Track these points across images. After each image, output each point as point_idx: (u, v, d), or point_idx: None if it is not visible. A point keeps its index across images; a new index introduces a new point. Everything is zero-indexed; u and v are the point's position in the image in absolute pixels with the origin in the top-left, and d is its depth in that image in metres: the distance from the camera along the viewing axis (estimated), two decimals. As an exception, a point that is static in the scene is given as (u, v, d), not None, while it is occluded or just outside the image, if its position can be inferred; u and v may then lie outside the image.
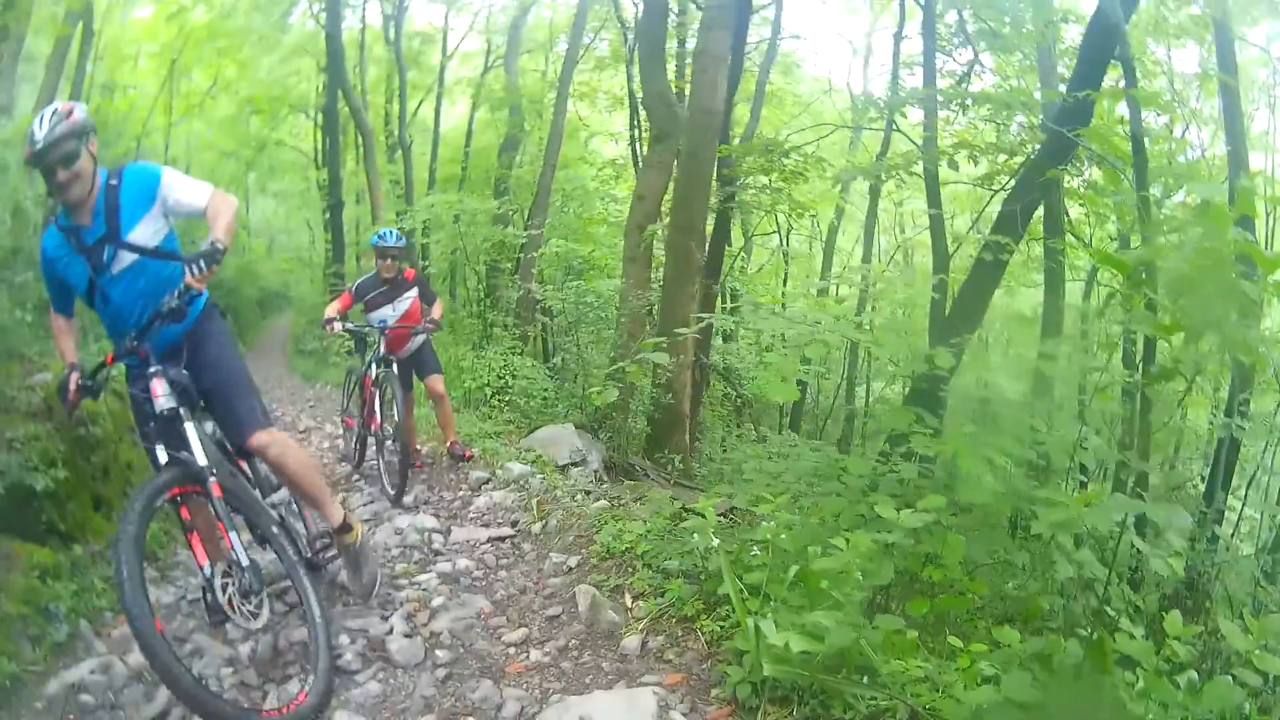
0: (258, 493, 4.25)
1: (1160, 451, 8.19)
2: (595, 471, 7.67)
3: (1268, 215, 12.22)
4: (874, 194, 15.53)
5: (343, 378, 9.17)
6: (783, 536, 3.30)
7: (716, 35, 9.36)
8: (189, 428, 3.73)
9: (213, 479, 3.64)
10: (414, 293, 7.54)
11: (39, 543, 4.26)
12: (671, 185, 10.04)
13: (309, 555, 4.41)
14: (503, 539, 5.37)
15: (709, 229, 10.47)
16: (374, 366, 7.18)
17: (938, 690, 2.58)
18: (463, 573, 4.76)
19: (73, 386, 3.78)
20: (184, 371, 3.88)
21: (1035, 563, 3.47)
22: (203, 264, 3.62)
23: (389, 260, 7.41)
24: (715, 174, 10.07)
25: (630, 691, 3.10)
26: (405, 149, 22.74)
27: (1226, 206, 2.89)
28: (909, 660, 2.75)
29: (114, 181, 3.90)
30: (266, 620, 3.61)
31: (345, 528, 4.35)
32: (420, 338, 7.56)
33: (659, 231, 10.11)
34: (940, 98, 10.71)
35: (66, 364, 3.98)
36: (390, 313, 7.40)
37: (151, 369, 3.76)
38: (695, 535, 3.79)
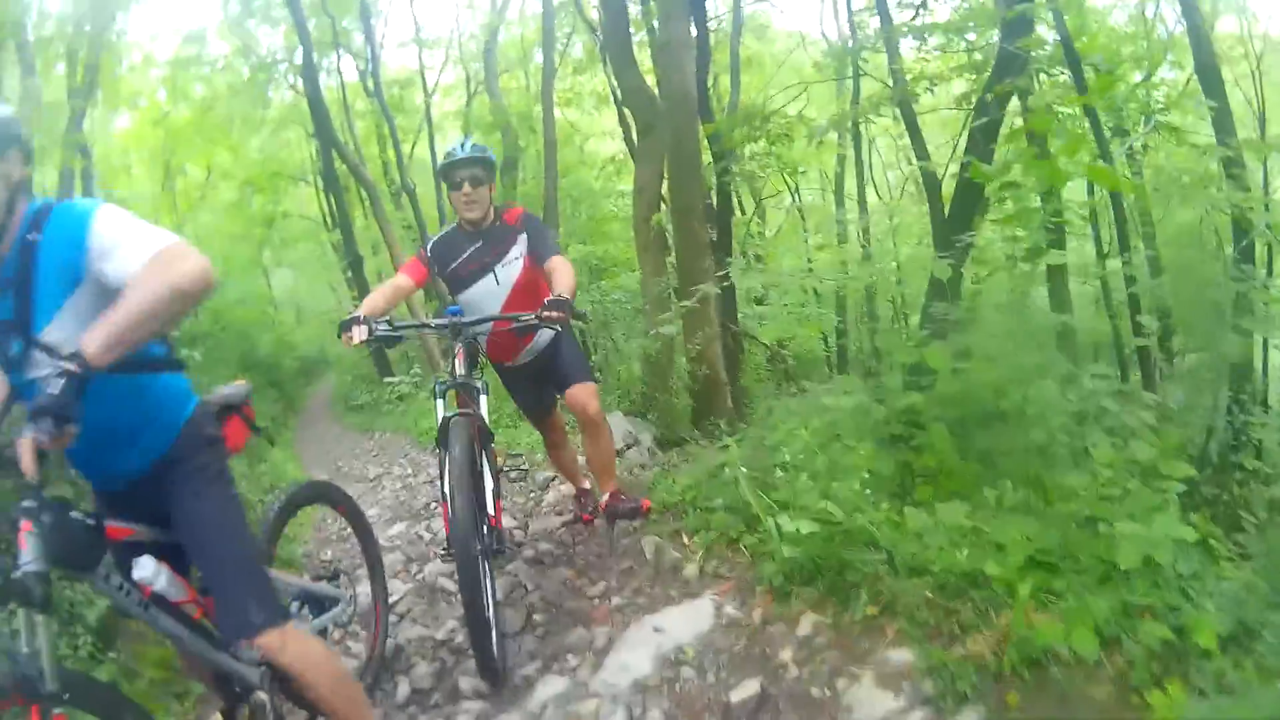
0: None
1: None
2: (649, 449, 8.09)
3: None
4: (856, 140, 16.20)
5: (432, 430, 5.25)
6: (800, 456, 4.12)
7: (676, 24, 10.07)
8: (39, 622, 2.35)
9: (52, 709, 2.29)
10: (522, 246, 4.90)
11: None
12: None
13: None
14: (574, 521, 5.95)
15: (715, 205, 11.23)
16: (439, 404, 4.43)
17: (928, 547, 3.34)
18: (545, 554, 5.49)
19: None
20: (89, 520, 2.62)
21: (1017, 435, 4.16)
22: (34, 417, 2.26)
23: (466, 189, 4.75)
24: (707, 150, 10.81)
25: (692, 603, 3.88)
26: (410, 193, 23.60)
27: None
28: (905, 530, 3.52)
29: (33, 235, 2.58)
30: None
31: None
32: (546, 334, 5.01)
33: (665, 218, 10.88)
34: (898, 35, 11.38)
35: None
36: (490, 290, 4.90)
37: (23, 507, 2.43)
38: (727, 469, 4.60)
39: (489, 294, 4.89)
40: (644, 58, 13.16)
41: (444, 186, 5.04)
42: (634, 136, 19.20)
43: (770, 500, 4.01)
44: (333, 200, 23.85)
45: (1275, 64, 17.14)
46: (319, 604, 3.64)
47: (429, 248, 5.02)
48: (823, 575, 3.48)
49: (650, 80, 11.53)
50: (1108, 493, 3.04)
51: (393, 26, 28.21)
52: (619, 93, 15.10)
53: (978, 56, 11.08)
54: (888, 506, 3.61)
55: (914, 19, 12.68)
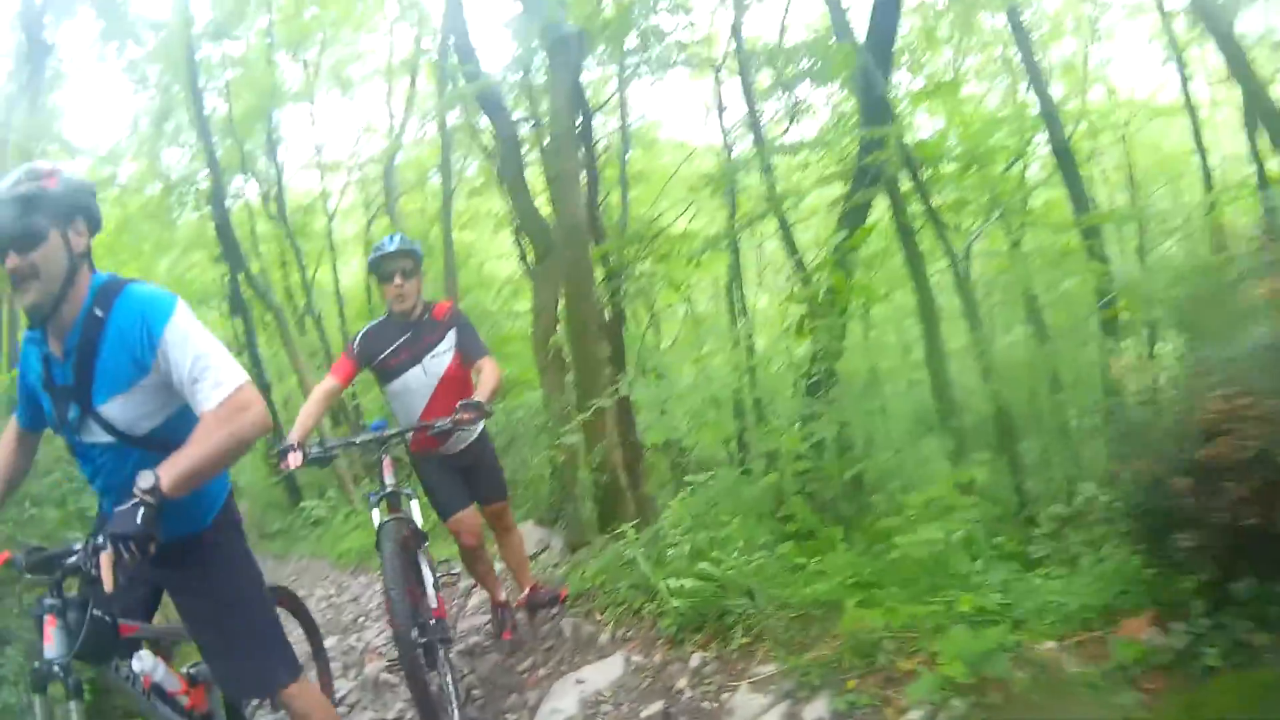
0: None
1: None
2: (560, 551, 8.85)
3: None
4: (735, 253, 17.53)
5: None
6: (685, 535, 5.03)
7: (566, 157, 11.10)
8: (72, 708, 2.73)
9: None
10: (451, 340, 5.17)
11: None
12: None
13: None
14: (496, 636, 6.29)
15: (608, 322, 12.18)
16: (374, 514, 4.74)
17: (785, 586, 4.23)
18: (475, 645, 6.18)
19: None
20: (106, 618, 2.89)
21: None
22: (111, 539, 2.50)
23: (397, 280, 5.00)
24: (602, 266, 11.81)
25: (606, 660, 4.68)
26: (315, 318, 24.10)
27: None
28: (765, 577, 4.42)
29: (99, 311, 2.81)
30: None
31: None
32: (476, 428, 5.27)
33: (562, 338, 11.75)
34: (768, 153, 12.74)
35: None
36: (419, 380, 5.10)
37: (48, 604, 2.76)
38: (628, 552, 5.44)
39: (418, 384, 5.11)
40: (540, 175, 14.22)
41: (374, 280, 5.58)
42: (529, 259, 20.39)
43: (662, 571, 4.87)
44: (239, 325, 24.08)
45: (1141, 127, 18.84)
46: None
47: (356, 341, 5.24)
48: (707, 621, 4.32)
49: (545, 201, 12.58)
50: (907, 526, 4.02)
51: (295, 150, 28.90)
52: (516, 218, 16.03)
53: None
54: (756, 562, 4.49)
55: (784, 133, 14.15)
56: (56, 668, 2.71)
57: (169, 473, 2.54)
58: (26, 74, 15.96)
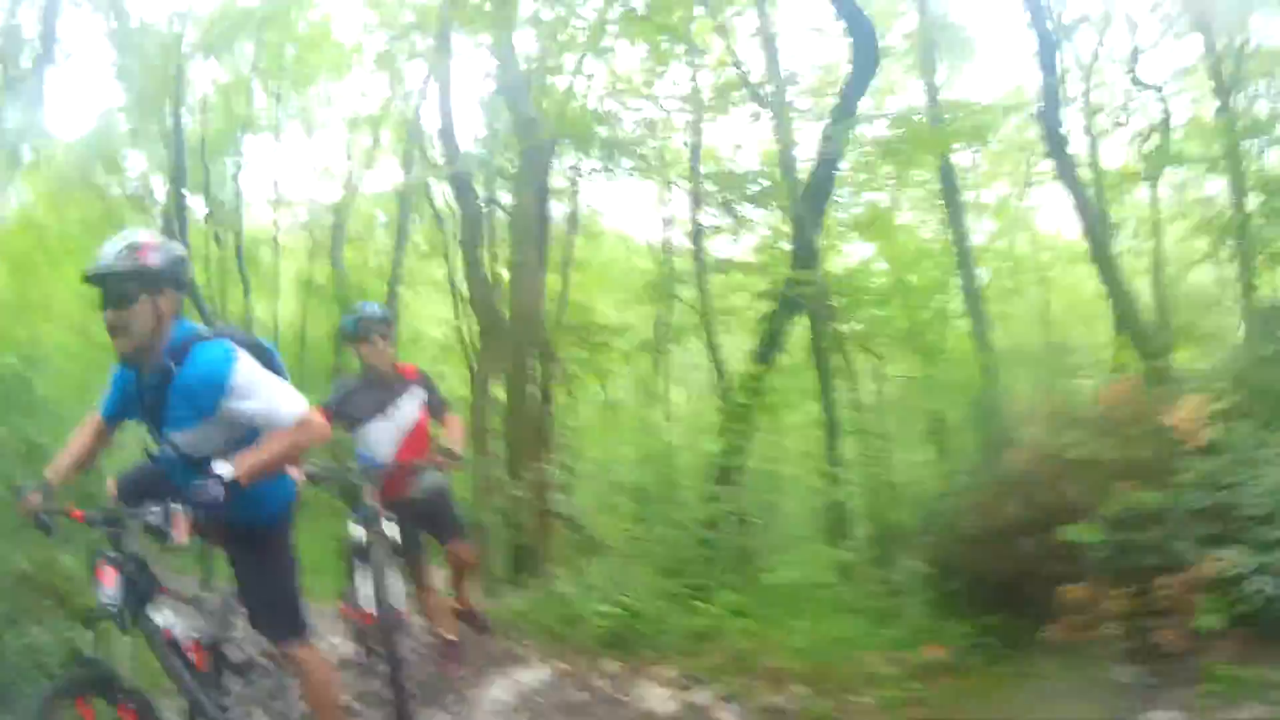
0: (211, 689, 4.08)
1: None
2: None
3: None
4: (664, 356, 18.98)
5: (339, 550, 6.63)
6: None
7: (527, 249, 12.44)
8: (124, 640, 3.39)
9: (128, 703, 3.35)
10: (419, 398, 5.85)
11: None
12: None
13: None
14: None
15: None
16: (356, 529, 5.41)
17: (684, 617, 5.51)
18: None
19: (31, 504, 3.61)
20: (153, 574, 3.58)
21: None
22: (190, 505, 3.27)
23: (375, 341, 5.63)
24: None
25: (535, 668, 5.77)
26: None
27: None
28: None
29: (171, 365, 3.47)
30: None
31: None
32: (435, 476, 5.78)
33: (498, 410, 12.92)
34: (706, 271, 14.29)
35: (45, 475, 3.80)
36: (388, 430, 5.71)
37: (110, 555, 3.40)
38: (558, 586, 6.67)
39: (386, 435, 5.66)
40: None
41: (348, 340, 5.93)
42: (461, 323, 21.61)
43: (588, 601, 6.12)
44: None
45: (1063, 270, 20.15)
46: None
47: (333, 400, 5.72)
48: (621, 640, 5.53)
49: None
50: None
51: (251, 182, 28.89)
52: (465, 289, 16.87)
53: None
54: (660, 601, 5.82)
55: (724, 252, 15.72)
56: (112, 609, 3.30)
57: (241, 464, 3.28)
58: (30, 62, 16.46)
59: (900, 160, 13.58)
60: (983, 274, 17.33)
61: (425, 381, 5.95)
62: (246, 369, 3.50)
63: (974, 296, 13.16)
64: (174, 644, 3.73)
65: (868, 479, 8.93)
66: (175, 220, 20.64)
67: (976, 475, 3.84)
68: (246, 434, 3.55)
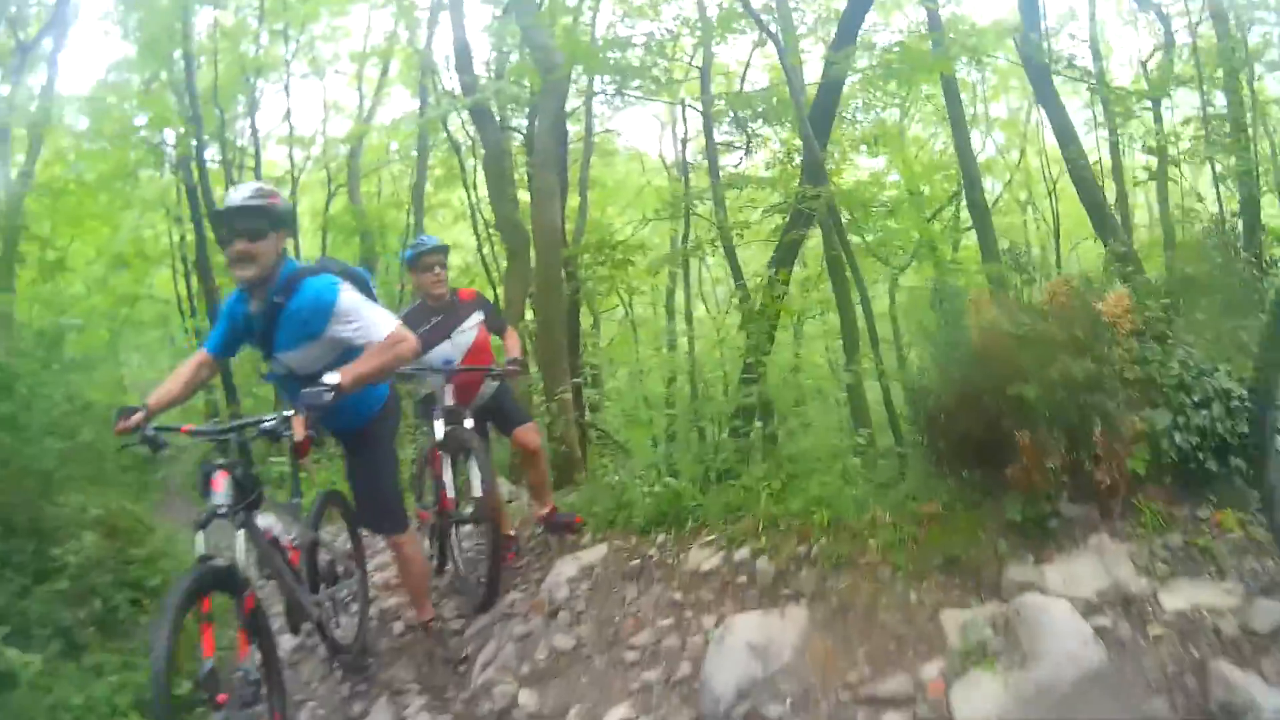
0: (306, 586, 4.80)
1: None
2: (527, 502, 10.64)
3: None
4: (686, 270, 19.74)
5: (414, 457, 7.92)
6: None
7: (545, 173, 12.97)
8: (239, 536, 3.90)
9: (248, 592, 3.87)
10: (478, 319, 6.55)
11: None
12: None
13: (344, 648, 5.37)
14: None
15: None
16: (439, 424, 6.06)
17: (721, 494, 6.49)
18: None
19: (130, 422, 4.07)
20: (251, 473, 4.14)
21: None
22: (304, 408, 3.85)
23: (436, 270, 6.31)
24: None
25: (593, 548, 6.55)
26: None
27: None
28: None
29: (279, 299, 4.13)
30: None
31: (432, 620, 5.74)
32: (493, 386, 6.57)
33: (529, 327, 13.75)
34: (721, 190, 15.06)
35: (144, 402, 4.26)
36: (450, 350, 6.36)
37: (217, 463, 3.93)
38: (607, 477, 7.64)
39: (448, 354, 6.36)
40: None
41: (409, 270, 6.59)
42: (483, 250, 22.40)
43: (635, 487, 7.05)
44: (194, 285, 24.24)
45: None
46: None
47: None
48: (667, 518, 6.38)
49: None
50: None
51: (264, 124, 29.23)
52: (492, 215, 17.80)
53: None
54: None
55: (738, 166, 16.47)
56: (223, 511, 3.88)
57: (346, 375, 3.89)
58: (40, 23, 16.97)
59: (903, 79, 14.22)
60: (993, 187, 18.07)
61: (482, 302, 6.71)
62: (348, 297, 4.17)
63: (979, 209, 13.83)
64: (275, 543, 4.38)
65: (880, 375, 9.91)
66: (193, 168, 21.27)
67: (949, 354, 4.76)
68: (347, 352, 4.19)
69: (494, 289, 22.77)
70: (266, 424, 3.97)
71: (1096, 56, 16.68)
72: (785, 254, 11.88)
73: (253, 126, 25.40)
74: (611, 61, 14.70)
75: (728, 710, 4.23)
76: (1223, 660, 3.69)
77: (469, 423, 6.10)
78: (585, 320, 20.78)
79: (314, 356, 4.27)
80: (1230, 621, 3.89)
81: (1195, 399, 4.48)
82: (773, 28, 12.76)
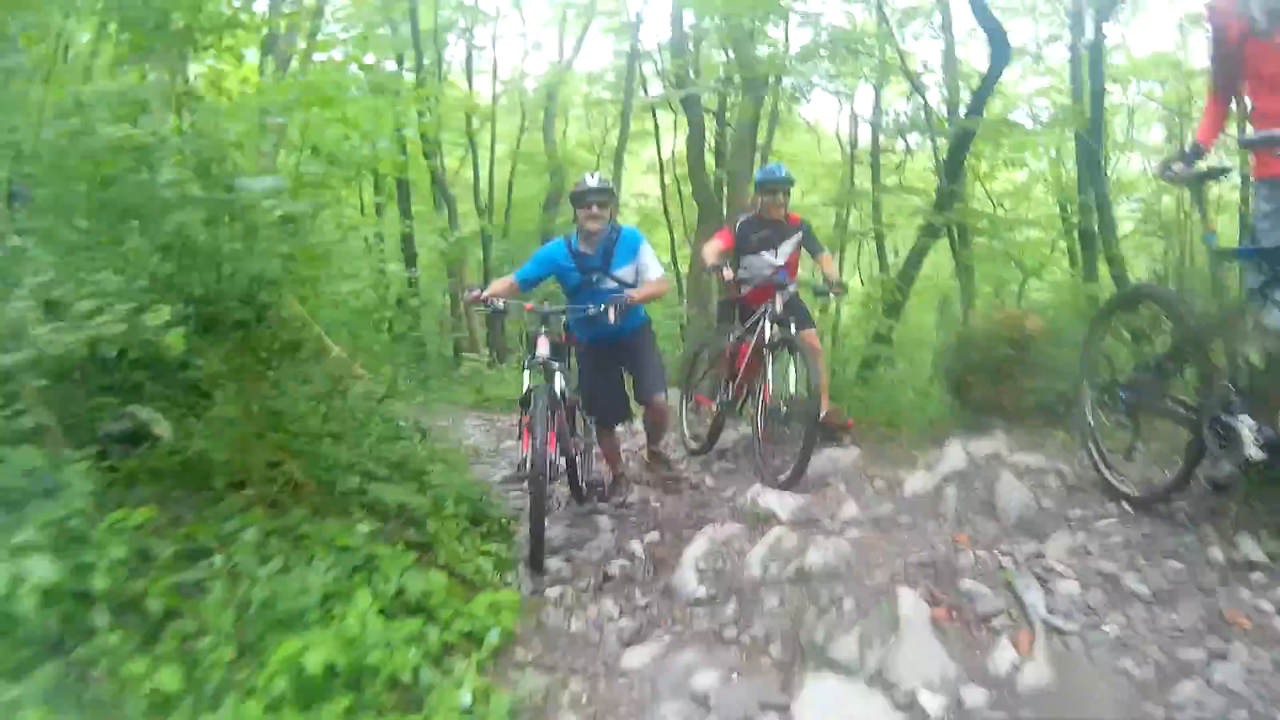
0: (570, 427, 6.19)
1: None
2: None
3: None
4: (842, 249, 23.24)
5: (684, 354, 10.12)
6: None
7: (742, 159, 15.09)
8: (557, 375, 5.74)
9: (563, 405, 5.71)
10: (798, 238, 7.53)
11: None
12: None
13: (583, 481, 6.60)
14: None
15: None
16: (769, 325, 6.85)
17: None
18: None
19: (476, 294, 6.03)
20: (560, 340, 5.93)
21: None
22: (618, 303, 5.84)
23: (779, 198, 7.39)
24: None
25: (845, 447, 7.45)
26: (450, 202, 26.69)
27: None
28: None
29: (613, 235, 6.20)
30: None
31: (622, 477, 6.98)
32: (792, 288, 7.22)
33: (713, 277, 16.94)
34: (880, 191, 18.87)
35: (485, 287, 6.20)
36: (770, 260, 7.42)
37: (543, 330, 5.76)
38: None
39: (769, 263, 7.42)
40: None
41: (758, 194, 7.56)
42: (665, 198, 26.10)
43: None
44: (387, 195, 24.11)
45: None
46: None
47: (735, 228, 7.60)
48: (902, 417, 8.59)
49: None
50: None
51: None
52: (689, 181, 19.25)
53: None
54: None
55: (898, 167, 20.27)
56: (544, 361, 5.73)
57: (636, 295, 6.11)
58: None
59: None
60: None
61: (804, 227, 7.64)
62: (645, 244, 6.41)
63: (1089, 236, 15.18)
64: (563, 395, 5.91)
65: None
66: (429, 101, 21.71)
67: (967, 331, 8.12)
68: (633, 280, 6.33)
69: (670, 233, 26.60)
70: (589, 308, 5.98)
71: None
72: (917, 255, 14.81)
73: (467, 64, 29.16)
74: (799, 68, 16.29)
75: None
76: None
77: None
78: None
79: (630, 272, 6.32)
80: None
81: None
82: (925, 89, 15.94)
